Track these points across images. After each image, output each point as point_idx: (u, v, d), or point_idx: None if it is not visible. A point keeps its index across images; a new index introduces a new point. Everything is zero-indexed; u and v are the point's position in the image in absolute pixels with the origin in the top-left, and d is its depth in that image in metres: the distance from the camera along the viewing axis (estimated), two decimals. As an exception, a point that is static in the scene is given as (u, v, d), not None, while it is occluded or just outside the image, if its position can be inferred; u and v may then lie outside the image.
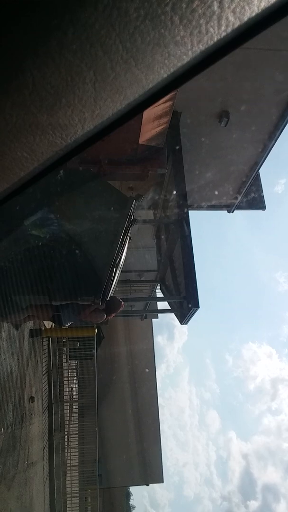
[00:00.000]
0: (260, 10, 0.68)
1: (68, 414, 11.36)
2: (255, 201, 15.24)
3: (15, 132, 0.83)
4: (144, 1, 0.61)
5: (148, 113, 7.27)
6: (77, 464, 11.89)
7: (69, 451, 11.34)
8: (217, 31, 0.69)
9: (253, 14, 0.68)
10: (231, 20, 0.68)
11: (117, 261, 4.54)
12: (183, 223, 10.49)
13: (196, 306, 9.84)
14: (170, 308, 12.81)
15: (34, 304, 4.68)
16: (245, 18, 0.68)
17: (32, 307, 4.69)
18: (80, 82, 0.74)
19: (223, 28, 0.69)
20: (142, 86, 0.79)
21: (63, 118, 0.82)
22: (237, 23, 0.69)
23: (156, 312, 17.49)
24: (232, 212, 15.23)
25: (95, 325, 8.76)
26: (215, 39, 0.71)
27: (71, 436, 11.59)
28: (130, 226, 4.78)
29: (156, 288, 15.40)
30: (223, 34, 0.70)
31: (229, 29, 0.70)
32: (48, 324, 8.51)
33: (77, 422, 12.21)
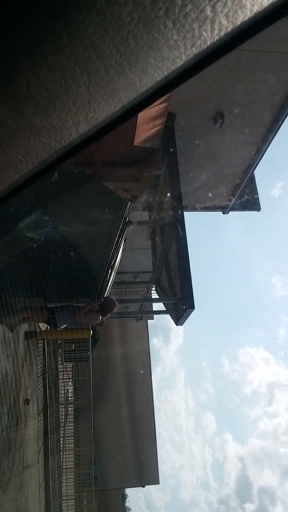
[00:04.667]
0: (253, 14, 0.68)
1: (63, 416, 11.31)
2: (250, 203, 15.31)
3: (10, 134, 0.83)
4: (137, 6, 0.61)
5: (143, 115, 7.27)
6: (73, 466, 11.84)
7: (64, 453, 11.29)
8: (210, 35, 0.70)
9: (246, 18, 0.69)
10: (224, 24, 0.68)
11: (112, 262, 4.54)
12: (178, 225, 10.50)
13: (191, 307, 9.85)
14: (165, 309, 12.81)
15: (29, 306, 4.67)
16: (238, 22, 0.69)
17: (27, 309, 4.68)
18: (74, 85, 0.74)
19: (216, 32, 0.69)
20: (136, 89, 0.79)
21: (57, 121, 0.82)
22: (230, 27, 0.69)
23: (151, 313, 17.48)
24: (227, 213, 15.28)
25: (90, 326, 8.74)
26: (209, 43, 0.71)
27: (67, 438, 11.55)
28: (125, 227, 4.78)
29: (151, 290, 15.39)
30: (216, 38, 0.71)
31: (222, 33, 0.70)
32: (43, 326, 8.48)
33: (72, 424, 12.17)
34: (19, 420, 6.81)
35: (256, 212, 15.85)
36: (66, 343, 11.11)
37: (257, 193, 15.31)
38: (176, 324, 11.34)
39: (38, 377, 9.05)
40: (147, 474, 20.47)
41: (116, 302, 5.14)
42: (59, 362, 11.44)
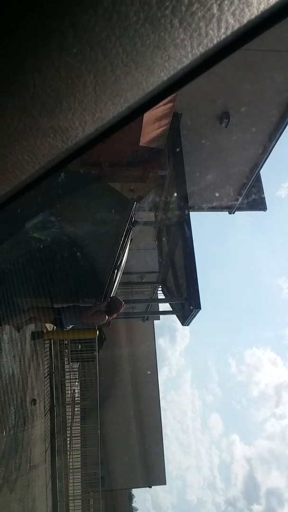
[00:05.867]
0: (259, 12, 0.68)
1: (70, 416, 11.33)
2: (256, 202, 15.24)
3: (16, 135, 0.84)
4: (144, 5, 0.61)
5: (149, 115, 7.27)
6: (80, 466, 11.86)
7: (71, 453, 11.31)
8: (217, 33, 0.69)
9: (253, 16, 0.68)
10: (231, 23, 0.68)
11: (119, 263, 4.55)
12: (184, 225, 10.48)
13: (198, 307, 9.83)
14: (171, 309, 12.80)
15: (35, 306, 4.68)
16: (245, 21, 0.68)
17: (33, 309, 4.70)
18: (81, 85, 0.74)
19: (222, 30, 0.69)
20: (143, 89, 0.79)
21: (63, 121, 0.82)
22: (236, 26, 0.69)
23: (157, 313, 17.46)
24: (233, 213, 15.23)
25: (96, 327, 8.75)
26: (215, 42, 0.71)
27: (73, 438, 11.56)
28: (131, 228, 4.78)
29: (157, 290, 15.38)
30: (223, 36, 0.70)
31: (229, 32, 0.70)
32: (49, 326, 8.50)
33: (79, 425, 12.19)
34: (26, 420, 6.83)
35: (262, 212, 15.80)
36: (72, 344, 11.14)
37: (263, 193, 15.24)
38: (183, 325, 11.32)
39: (44, 377, 9.08)
40: (154, 475, 20.45)
41: (123, 303, 5.14)
42: (66, 363, 11.47)
